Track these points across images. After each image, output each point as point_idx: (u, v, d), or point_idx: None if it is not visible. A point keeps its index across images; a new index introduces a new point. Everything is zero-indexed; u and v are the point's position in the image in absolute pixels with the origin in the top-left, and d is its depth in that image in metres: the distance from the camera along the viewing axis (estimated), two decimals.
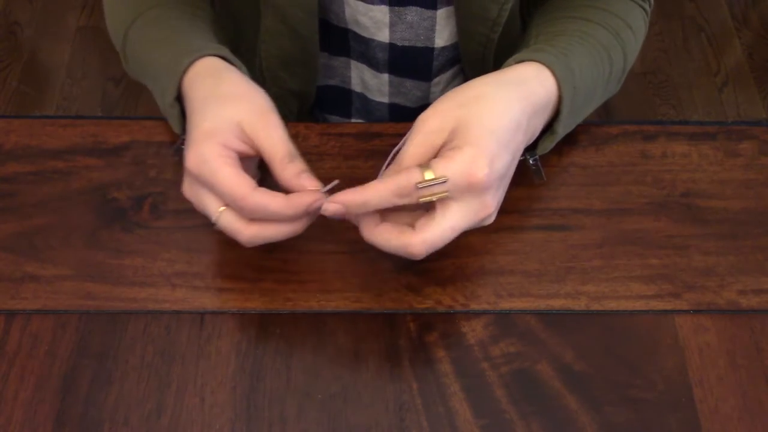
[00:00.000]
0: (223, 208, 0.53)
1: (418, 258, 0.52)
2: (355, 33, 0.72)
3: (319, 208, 0.52)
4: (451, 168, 0.50)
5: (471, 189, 0.51)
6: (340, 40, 0.73)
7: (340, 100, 0.81)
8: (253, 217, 0.52)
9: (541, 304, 0.57)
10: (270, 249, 0.59)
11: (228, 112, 0.53)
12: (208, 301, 0.57)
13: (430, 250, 0.52)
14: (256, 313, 0.57)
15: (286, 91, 0.75)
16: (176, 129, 0.61)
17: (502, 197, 0.55)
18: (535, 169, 0.62)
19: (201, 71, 0.58)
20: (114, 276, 0.58)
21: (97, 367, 0.54)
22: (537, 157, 0.61)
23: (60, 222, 0.61)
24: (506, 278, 0.59)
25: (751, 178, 0.65)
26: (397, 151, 0.53)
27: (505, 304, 0.57)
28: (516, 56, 0.60)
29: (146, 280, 0.58)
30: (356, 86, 0.79)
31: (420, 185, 0.50)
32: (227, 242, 0.59)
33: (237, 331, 0.56)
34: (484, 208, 0.52)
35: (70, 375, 0.54)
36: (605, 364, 0.55)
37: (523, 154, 0.60)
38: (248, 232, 0.53)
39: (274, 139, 0.53)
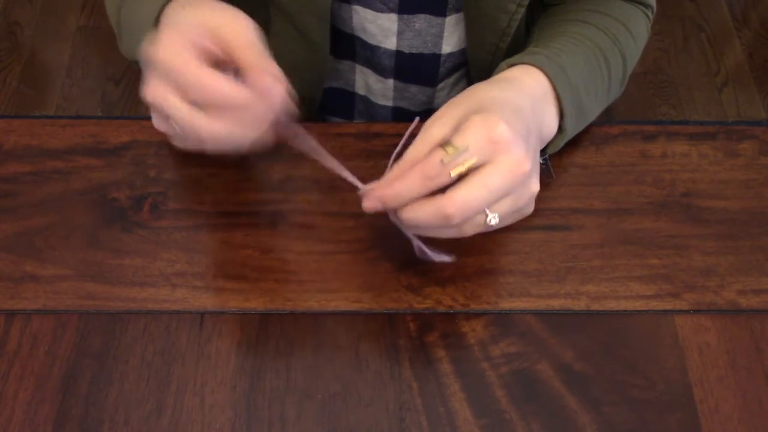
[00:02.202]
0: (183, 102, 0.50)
1: (453, 221, 0.50)
2: (361, 39, 0.72)
3: (282, 100, 0.49)
4: (469, 135, 0.50)
5: (496, 147, 0.50)
6: (347, 45, 0.73)
7: (343, 103, 0.81)
8: (207, 99, 0.49)
9: (541, 304, 0.57)
10: (270, 249, 0.59)
11: (200, 15, 0.51)
12: (208, 301, 0.57)
13: (466, 212, 0.50)
14: (256, 313, 0.57)
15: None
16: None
17: (538, 172, 0.54)
18: (544, 168, 0.62)
19: (183, 1, 0.54)
20: (114, 276, 0.58)
21: (97, 367, 0.54)
22: (547, 156, 0.62)
23: (60, 222, 0.61)
24: (506, 278, 0.59)
25: (751, 178, 0.65)
26: (399, 152, 0.53)
27: (505, 304, 0.57)
28: (507, 60, 0.61)
29: (146, 280, 0.58)
30: (360, 89, 0.78)
31: (445, 159, 0.49)
32: (227, 242, 0.60)
33: (237, 331, 0.56)
34: (517, 165, 0.50)
35: (70, 375, 0.54)
36: (605, 364, 0.55)
37: None
38: (205, 123, 0.50)
39: (250, 47, 0.50)
